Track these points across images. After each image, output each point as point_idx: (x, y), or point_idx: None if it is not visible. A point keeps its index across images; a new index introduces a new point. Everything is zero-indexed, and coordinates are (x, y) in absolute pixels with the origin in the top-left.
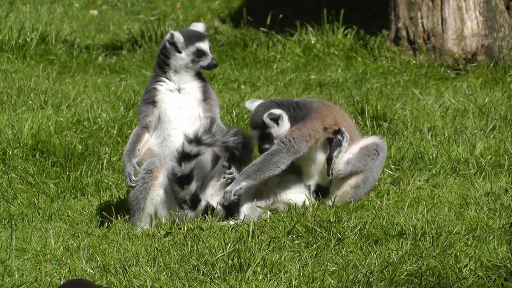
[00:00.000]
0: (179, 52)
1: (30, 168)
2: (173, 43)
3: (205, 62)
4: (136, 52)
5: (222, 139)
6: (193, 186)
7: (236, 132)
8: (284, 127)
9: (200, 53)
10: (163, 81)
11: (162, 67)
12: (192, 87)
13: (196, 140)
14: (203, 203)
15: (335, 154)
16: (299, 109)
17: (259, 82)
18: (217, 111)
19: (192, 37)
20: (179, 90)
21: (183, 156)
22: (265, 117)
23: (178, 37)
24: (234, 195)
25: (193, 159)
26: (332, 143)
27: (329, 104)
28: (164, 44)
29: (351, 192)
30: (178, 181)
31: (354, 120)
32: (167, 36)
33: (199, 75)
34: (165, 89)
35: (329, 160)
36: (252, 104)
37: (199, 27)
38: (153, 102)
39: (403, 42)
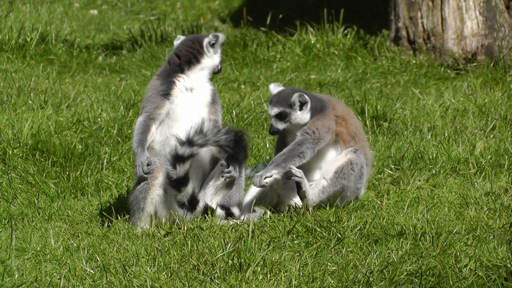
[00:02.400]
0: (215, 53)
1: (30, 168)
2: (213, 44)
3: (220, 64)
4: (136, 52)
5: (213, 138)
6: (190, 187)
7: (228, 130)
8: (304, 115)
9: (221, 54)
10: (181, 77)
11: (190, 63)
12: (204, 89)
13: (188, 142)
14: (201, 204)
15: (301, 194)
16: (317, 102)
17: (259, 82)
18: (220, 116)
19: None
20: (191, 90)
21: (177, 159)
22: (296, 96)
23: (223, 37)
24: (264, 180)
25: (187, 161)
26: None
27: (337, 101)
28: (200, 44)
29: (337, 202)
30: (175, 184)
31: None
32: (209, 38)
33: (209, 79)
34: (181, 85)
35: (300, 197)
36: (276, 88)
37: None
38: (166, 95)
39: (403, 42)
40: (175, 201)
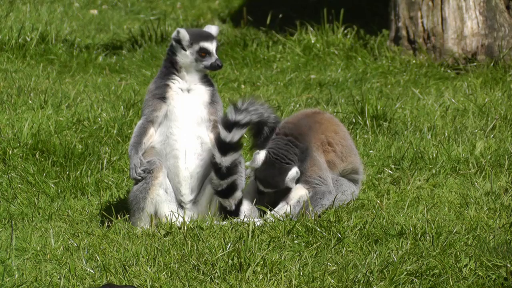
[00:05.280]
0: (184, 50)
1: (30, 167)
2: (178, 41)
3: (208, 62)
4: (136, 51)
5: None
6: (239, 193)
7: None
8: (296, 177)
9: (203, 52)
10: (175, 79)
11: (172, 63)
12: (201, 89)
13: (238, 110)
14: (239, 194)
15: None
16: (299, 144)
17: (259, 81)
18: (221, 116)
19: (198, 36)
20: (188, 90)
21: (224, 145)
22: (290, 182)
23: (184, 34)
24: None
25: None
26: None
27: (319, 120)
28: (172, 41)
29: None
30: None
31: (354, 120)
32: (174, 33)
33: (208, 78)
34: (176, 87)
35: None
36: (255, 163)
37: (212, 29)
38: (162, 98)
39: (403, 42)
40: (176, 201)
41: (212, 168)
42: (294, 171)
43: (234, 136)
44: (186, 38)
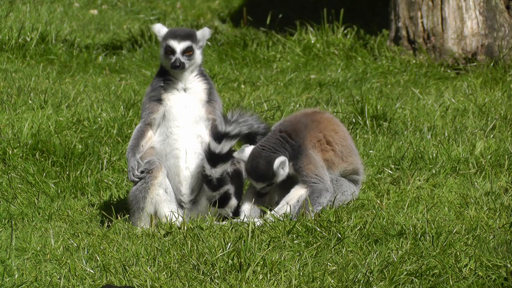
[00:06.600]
0: (161, 47)
1: (30, 167)
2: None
3: (171, 60)
4: (136, 51)
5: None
6: (234, 201)
7: (251, 114)
8: (286, 170)
9: (168, 50)
10: (170, 80)
11: (161, 64)
12: (198, 88)
13: (223, 135)
14: (234, 202)
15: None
16: (290, 141)
17: (259, 81)
18: (220, 114)
19: (169, 33)
20: (184, 90)
21: (215, 157)
22: (277, 167)
23: (156, 29)
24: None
25: (227, 159)
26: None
27: (318, 119)
28: None
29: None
30: (220, 202)
31: (354, 120)
32: None
33: (205, 77)
34: (171, 88)
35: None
36: (243, 154)
37: (202, 31)
38: (159, 100)
39: (403, 42)
40: (176, 201)
41: (203, 180)
42: (281, 158)
43: (223, 147)
44: (160, 34)
